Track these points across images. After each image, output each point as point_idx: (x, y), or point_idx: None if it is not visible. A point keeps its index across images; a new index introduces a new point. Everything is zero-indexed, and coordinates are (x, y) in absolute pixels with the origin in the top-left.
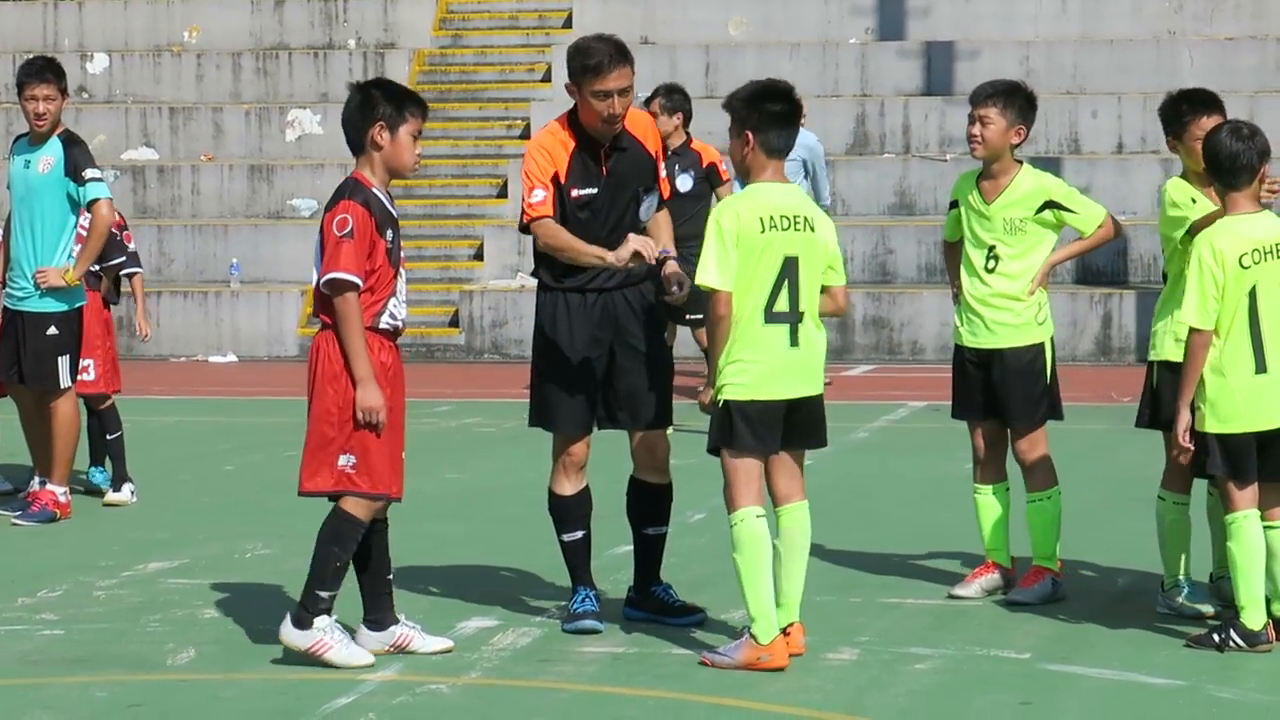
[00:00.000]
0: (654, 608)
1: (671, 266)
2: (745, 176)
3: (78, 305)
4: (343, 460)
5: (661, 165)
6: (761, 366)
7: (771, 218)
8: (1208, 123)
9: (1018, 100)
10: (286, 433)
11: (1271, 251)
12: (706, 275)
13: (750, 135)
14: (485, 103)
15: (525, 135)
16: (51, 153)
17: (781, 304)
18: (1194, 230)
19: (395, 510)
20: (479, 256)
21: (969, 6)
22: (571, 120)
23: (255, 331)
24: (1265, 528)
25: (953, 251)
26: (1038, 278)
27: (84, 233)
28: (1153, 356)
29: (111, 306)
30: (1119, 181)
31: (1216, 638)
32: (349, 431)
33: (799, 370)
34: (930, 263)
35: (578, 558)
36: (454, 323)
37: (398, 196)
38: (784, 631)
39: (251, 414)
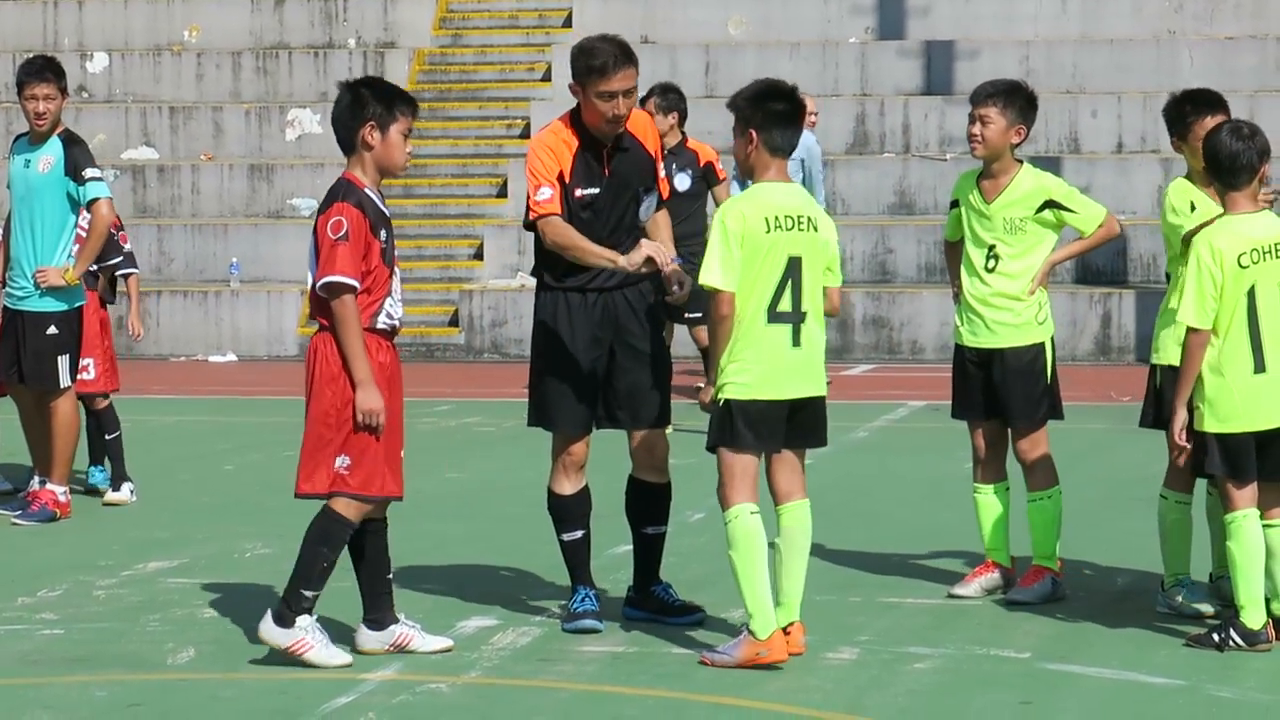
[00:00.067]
0: (654, 607)
1: (672, 265)
2: (749, 175)
3: (77, 305)
4: (338, 462)
5: (661, 165)
6: (763, 366)
7: (776, 218)
8: (1211, 123)
9: (1018, 100)
10: (286, 432)
11: (1270, 251)
12: (710, 275)
13: (754, 134)
14: (485, 102)
15: (525, 135)
16: (51, 152)
17: (784, 304)
18: (1188, 240)
19: (395, 510)
20: (479, 256)
21: (969, 6)
22: (574, 120)
23: (255, 331)
24: (1264, 526)
25: (954, 251)
26: (1038, 277)
27: (83, 233)
28: (1155, 360)
29: (108, 306)
30: (1119, 181)
31: (1216, 637)
32: (346, 433)
33: (801, 370)
34: (930, 262)
35: (577, 557)
36: (454, 322)
37: (397, 196)
38: (784, 631)
39: (251, 413)
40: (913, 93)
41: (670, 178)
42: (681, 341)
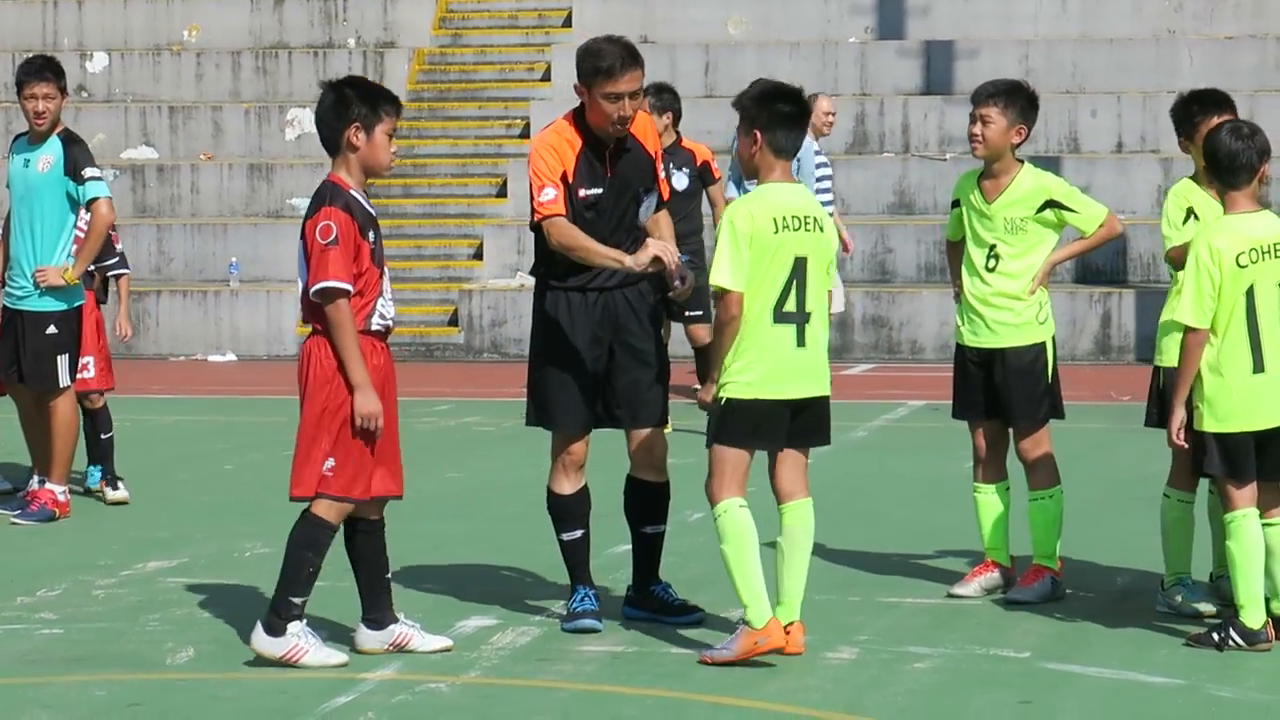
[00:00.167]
0: (653, 607)
1: (678, 263)
2: (752, 176)
3: (77, 304)
4: (326, 465)
5: (661, 166)
6: (767, 366)
7: (784, 218)
8: (1218, 123)
9: (1019, 100)
10: (286, 432)
11: (1269, 251)
12: (720, 276)
13: (759, 135)
14: (485, 102)
15: (525, 135)
16: (51, 152)
17: (790, 304)
18: (1169, 259)
19: (395, 509)
20: (478, 256)
21: (968, 6)
22: (577, 120)
23: (254, 330)
24: (1264, 526)
25: (955, 251)
26: (1038, 277)
27: (82, 233)
28: (1159, 362)
29: (101, 306)
30: (1118, 181)
31: (1216, 636)
32: (335, 436)
33: (805, 370)
34: (929, 262)
35: (577, 557)
36: (453, 322)
37: (397, 196)
38: (784, 630)
39: (251, 413)
40: (912, 92)
41: (669, 178)
42: (680, 341)
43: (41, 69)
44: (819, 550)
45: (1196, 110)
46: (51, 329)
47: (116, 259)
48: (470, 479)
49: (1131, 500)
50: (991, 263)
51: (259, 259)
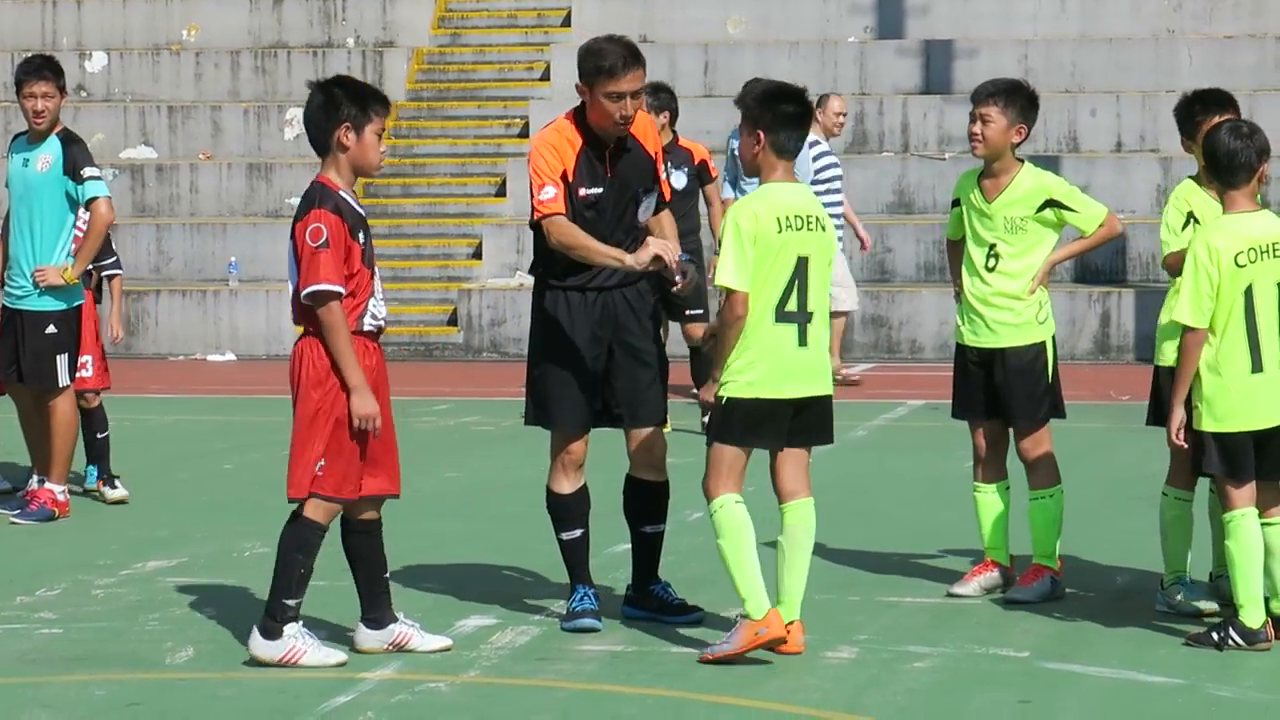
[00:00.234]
0: (653, 606)
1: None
2: (755, 175)
3: (76, 304)
4: (319, 465)
5: (661, 166)
6: (768, 365)
7: (787, 218)
8: (1217, 122)
9: (1019, 99)
10: (285, 432)
11: (1268, 250)
12: (725, 275)
13: (762, 134)
14: (484, 101)
15: (524, 134)
16: (50, 151)
17: (792, 304)
18: (1166, 265)
19: (394, 509)
20: (477, 255)
21: (968, 5)
22: (578, 119)
23: (254, 330)
24: (1263, 525)
25: (955, 250)
26: (1038, 276)
27: (81, 232)
28: (1159, 362)
29: (98, 306)
30: (1118, 180)
31: (1215, 636)
32: (327, 436)
33: (806, 370)
34: (929, 261)
35: (576, 556)
36: (452, 321)
37: (396, 195)
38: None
39: (250, 413)
40: (912, 92)
41: (668, 178)
42: (679, 340)
43: (40, 68)
44: (819, 550)
45: (1199, 110)
46: (51, 328)
47: (114, 259)
48: (469, 478)
49: (1131, 500)
50: (991, 262)
51: (258, 259)
